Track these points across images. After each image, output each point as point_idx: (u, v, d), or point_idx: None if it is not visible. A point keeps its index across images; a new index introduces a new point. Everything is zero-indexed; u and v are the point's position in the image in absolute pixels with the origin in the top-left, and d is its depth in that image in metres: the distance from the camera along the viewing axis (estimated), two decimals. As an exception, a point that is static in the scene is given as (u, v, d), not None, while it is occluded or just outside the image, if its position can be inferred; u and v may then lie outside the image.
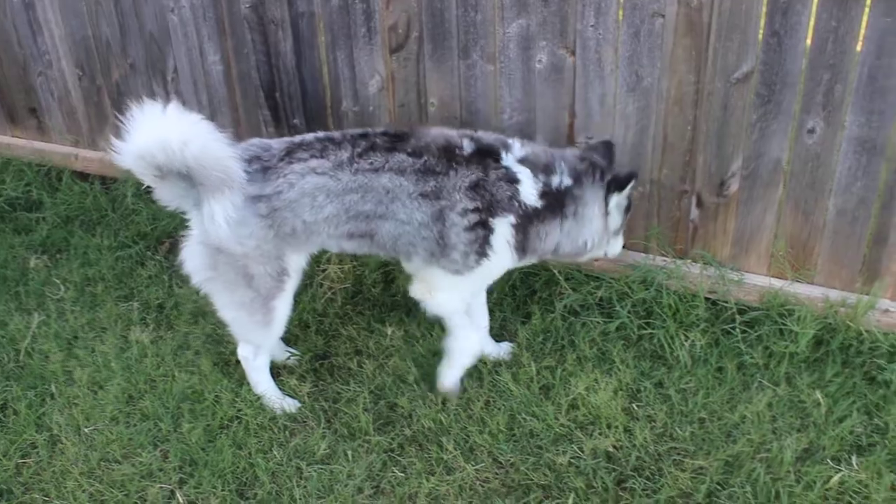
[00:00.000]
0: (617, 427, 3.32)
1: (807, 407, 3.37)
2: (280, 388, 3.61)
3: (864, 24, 3.11)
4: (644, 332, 3.75)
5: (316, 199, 3.20)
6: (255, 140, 3.35)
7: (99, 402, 3.60)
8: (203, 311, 4.07)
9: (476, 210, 3.20)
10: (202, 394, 3.59)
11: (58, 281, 4.43)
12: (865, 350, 3.52)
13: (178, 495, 3.20)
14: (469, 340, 3.51)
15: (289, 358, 3.81)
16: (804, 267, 3.65)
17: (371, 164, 3.21)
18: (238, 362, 3.67)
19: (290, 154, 3.25)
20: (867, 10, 3.08)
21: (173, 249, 4.57)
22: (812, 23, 3.18)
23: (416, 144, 3.25)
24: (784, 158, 3.47)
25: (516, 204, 3.25)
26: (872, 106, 3.22)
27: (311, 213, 3.22)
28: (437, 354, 3.64)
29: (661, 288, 3.78)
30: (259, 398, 3.55)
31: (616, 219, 3.48)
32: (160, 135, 3.00)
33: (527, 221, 3.28)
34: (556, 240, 3.37)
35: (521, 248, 3.33)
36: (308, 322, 4.01)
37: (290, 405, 3.55)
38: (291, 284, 3.41)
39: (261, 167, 3.22)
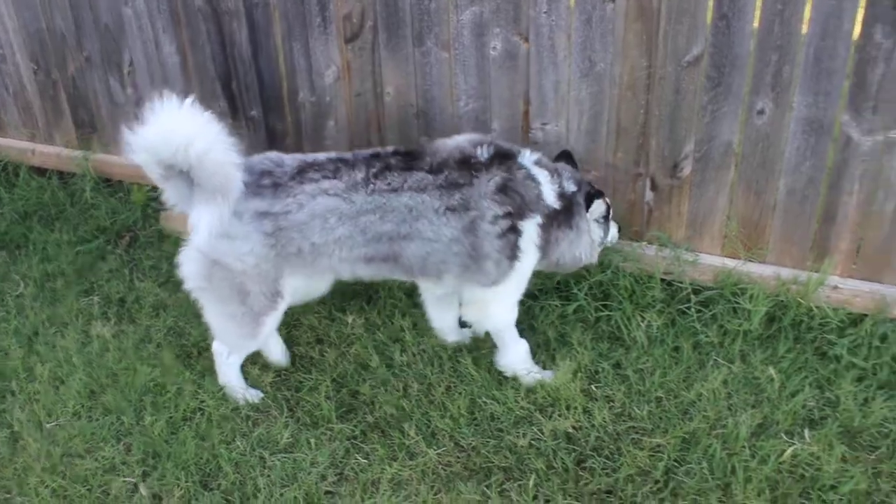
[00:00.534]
0: (576, 408, 3.37)
1: (761, 383, 3.44)
2: (244, 378, 3.61)
3: (808, 5, 3.17)
4: (601, 314, 3.80)
5: (327, 221, 3.15)
6: (272, 154, 3.29)
7: (61, 397, 3.60)
8: (164, 304, 4.08)
9: (507, 215, 3.20)
10: (164, 386, 3.60)
11: (17, 277, 4.42)
12: (816, 326, 3.60)
13: (141, 488, 3.21)
14: (521, 352, 3.55)
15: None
16: (756, 246, 3.71)
17: (389, 184, 3.16)
18: (201, 353, 3.68)
19: (301, 173, 3.18)
20: (811, -8, 3.14)
21: (133, 243, 4.57)
22: (759, 4, 3.24)
23: (432, 161, 3.22)
24: (735, 140, 3.53)
25: (542, 204, 3.28)
26: (819, 87, 3.28)
27: (321, 234, 3.16)
28: (397, 341, 3.68)
29: (617, 270, 3.84)
30: (222, 389, 3.55)
31: (597, 231, 3.52)
32: (167, 130, 2.96)
33: (549, 222, 3.30)
34: (560, 249, 3.41)
35: (544, 249, 3.35)
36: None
37: (253, 396, 3.56)
38: (284, 306, 3.36)
39: (271, 183, 3.16)
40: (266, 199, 3.13)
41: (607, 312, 3.79)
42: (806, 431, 3.24)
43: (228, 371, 3.55)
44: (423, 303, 3.75)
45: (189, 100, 2.99)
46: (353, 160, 3.22)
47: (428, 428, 3.36)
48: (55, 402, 3.58)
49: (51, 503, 3.17)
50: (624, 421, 3.34)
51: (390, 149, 3.31)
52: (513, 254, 3.27)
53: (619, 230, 3.71)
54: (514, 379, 3.53)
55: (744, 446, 3.17)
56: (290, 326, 3.93)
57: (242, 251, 3.16)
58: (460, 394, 3.47)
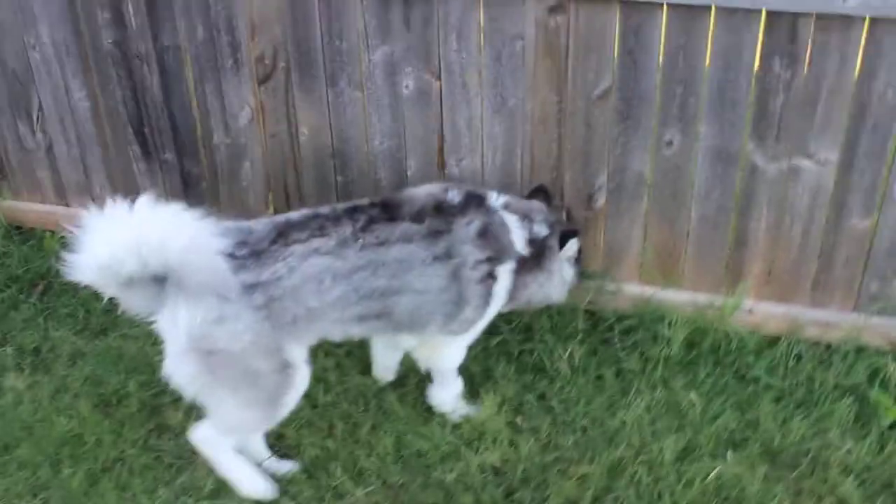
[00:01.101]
0: (502, 441, 3.37)
1: (683, 407, 3.49)
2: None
3: (710, 40, 3.27)
4: (525, 346, 3.82)
5: (322, 283, 2.93)
6: (230, 223, 2.96)
7: (-28, 454, 3.48)
8: (81, 353, 3.98)
9: (488, 260, 3.16)
10: (82, 437, 3.50)
11: (-75, 331, 4.28)
12: (734, 349, 3.68)
13: (61, 545, 3.13)
14: (458, 389, 3.54)
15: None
16: (672, 273, 3.79)
17: (377, 237, 3.01)
18: (120, 401, 3.60)
19: (283, 235, 2.94)
20: (711, 27, 3.23)
21: (47, 291, 4.46)
22: (663, 40, 3.32)
23: (411, 210, 3.11)
24: (646, 171, 3.61)
25: (514, 250, 3.26)
26: (723, 117, 3.38)
27: (316, 298, 2.94)
28: (321, 381, 3.64)
29: (538, 302, 3.88)
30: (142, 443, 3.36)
31: (569, 271, 3.52)
32: (130, 237, 2.65)
33: (519, 268, 3.28)
34: (530, 291, 3.39)
35: (511, 294, 3.33)
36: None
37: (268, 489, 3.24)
38: (300, 377, 3.08)
39: (250, 252, 2.89)
40: (251, 269, 2.87)
41: (530, 345, 3.81)
42: (729, 453, 3.29)
43: (229, 459, 3.20)
44: (371, 347, 3.68)
45: (144, 198, 2.72)
46: (331, 214, 3.05)
47: (355, 468, 3.33)
48: (-33, 459, 3.46)
49: (-35, 566, 3.07)
50: (550, 451, 3.36)
51: (365, 201, 3.17)
52: (486, 300, 3.24)
53: None
54: (440, 415, 3.52)
55: (669, 471, 3.22)
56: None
57: (237, 330, 2.86)
58: (386, 432, 3.46)
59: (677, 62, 3.33)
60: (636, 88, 3.43)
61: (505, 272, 3.25)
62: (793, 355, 3.62)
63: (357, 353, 3.81)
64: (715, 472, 3.19)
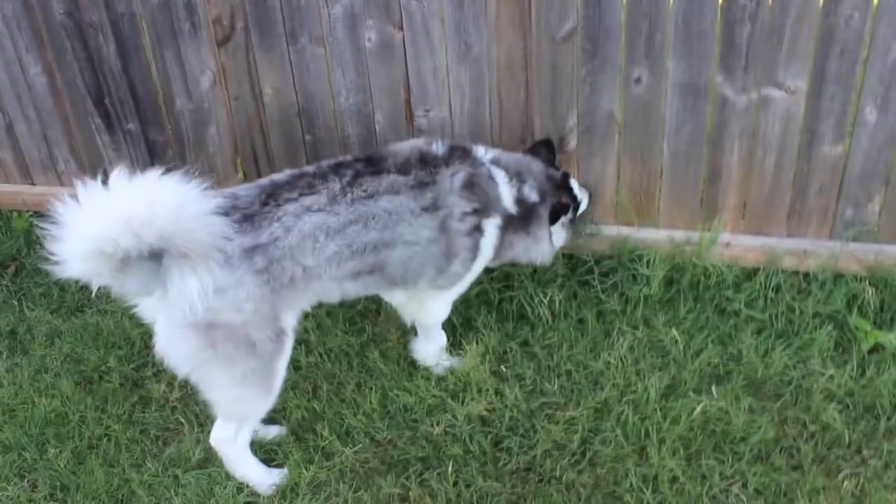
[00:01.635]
0: (488, 390, 3.38)
1: (665, 345, 3.51)
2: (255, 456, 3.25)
3: (673, -28, 3.23)
4: (505, 294, 3.81)
5: (318, 240, 2.91)
6: (212, 191, 2.80)
7: (-44, 440, 3.45)
8: (59, 332, 3.94)
9: (474, 212, 3.14)
10: (66, 416, 3.48)
11: None
12: (713, 284, 3.68)
13: (52, 524, 3.11)
14: (441, 343, 3.56)
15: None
16: (648, 212, 3.77)
17: (365, 190, 2.99)
18: (101, 377, 3.57)
19: (273, 196, 2.90)
20: (675, -42, 3.20)
21: (19, 272, 4.40)
22: (626, -24, 3.28)
23: (395, 162, 3.09)
24: (616, 110, 3.57)
25: (501, 205, 3.24)
26: (691, 51, 3.34)
27: (313, 256, 2.91)
28: (302, 342, 3.63)
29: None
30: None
31: (561, 235, 3.51)
32: (116, 215, 2.53)
33: (505, 225, 3.26)
34: (515, 252, 3.38)
35: (497, 251, 3.32)
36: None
37: (278, 476, 3.21)
38: (290, 344, 3.03)
39: (242, 216, 2.83)
40: (247, 233, 2.81)
41: (511, 293, 3.80)
42: (713, 388, 3.32)
43: (243, 457, 3.16)
44: None
45: (117, 172, 2.57)
46: (319, 172, 3.02)
47: (342, 427, 3.33)
48: (-50, 445, 3.43)
49: (-44, 551, 3.05)
50: (536, 398, 3.37)
51: (349, 157, 3.14)
52: (474, 254, 3.23)
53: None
54: (425, 368, 3.52)
55: (655, 409, 3.24)
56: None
57: (239, 299, 2.81)
58: (371, 389, 3.45)
59: (641, -3, 3.30)
60: (601, 27, 3.39)
61: (492, 226, 3.23)
62: (771, 286, 3.63)
63: (336, 313, 3.79)
64: (700, 407, 3.20)
